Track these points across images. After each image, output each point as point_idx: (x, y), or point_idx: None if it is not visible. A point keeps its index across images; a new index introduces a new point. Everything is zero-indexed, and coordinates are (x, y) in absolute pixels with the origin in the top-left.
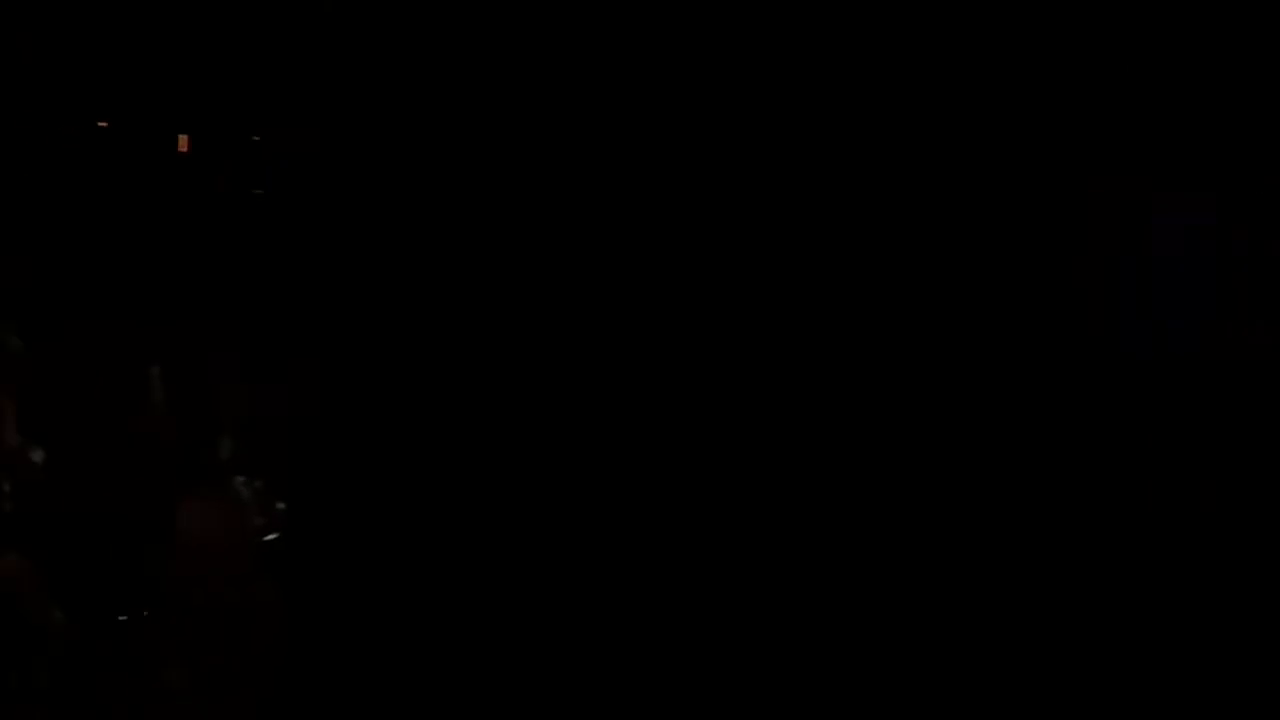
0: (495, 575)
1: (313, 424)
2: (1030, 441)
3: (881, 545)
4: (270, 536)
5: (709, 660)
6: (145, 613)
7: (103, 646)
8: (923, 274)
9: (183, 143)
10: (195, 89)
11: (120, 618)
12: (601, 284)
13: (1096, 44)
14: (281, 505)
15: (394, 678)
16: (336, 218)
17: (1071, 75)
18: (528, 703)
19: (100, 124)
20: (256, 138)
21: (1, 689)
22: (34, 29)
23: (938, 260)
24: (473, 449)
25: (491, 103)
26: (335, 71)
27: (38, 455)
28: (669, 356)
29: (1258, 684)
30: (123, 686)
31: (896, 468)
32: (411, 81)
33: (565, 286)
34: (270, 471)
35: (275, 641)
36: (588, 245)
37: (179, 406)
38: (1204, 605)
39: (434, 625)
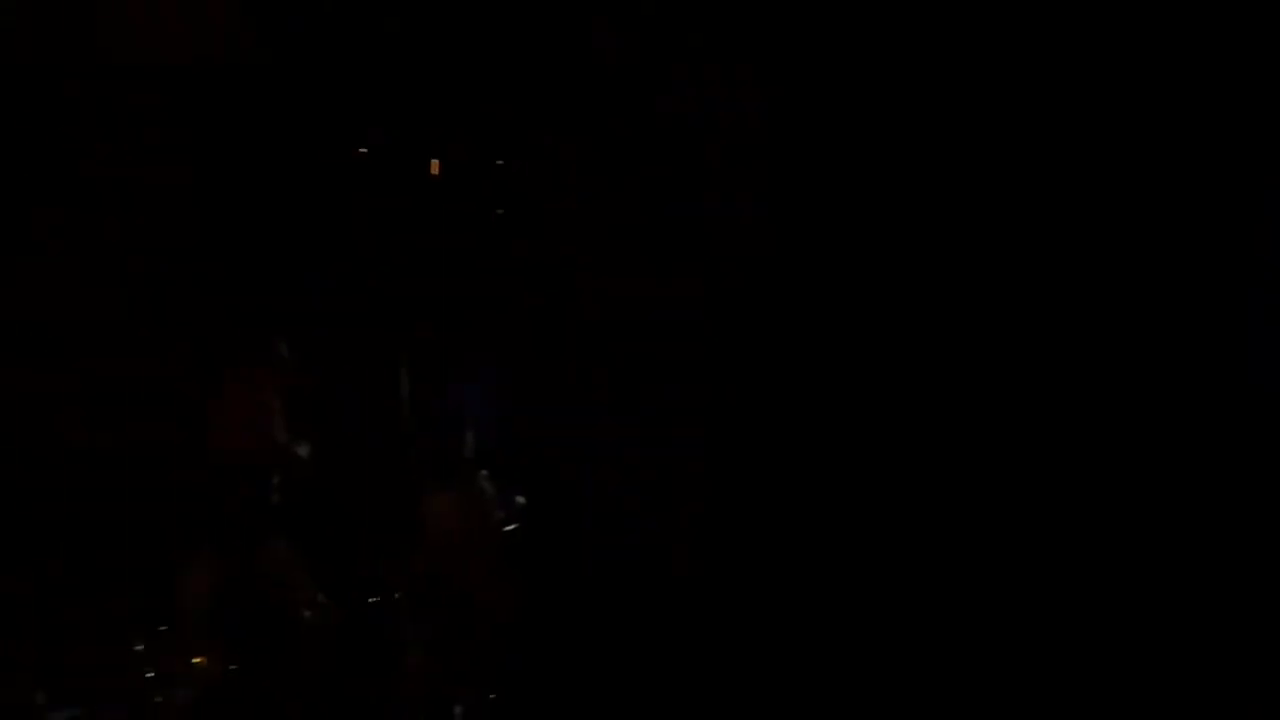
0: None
1: (547, 424)
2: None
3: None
4: (509, 528)
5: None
6: (395, 597)
7: (359, 628)
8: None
9: (434, 166)
10: (447, 121)
11: (372, 601)
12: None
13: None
14: (520, 499)
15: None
16: (578, 232)
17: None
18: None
19: (360, 150)
20: (500, 162)
21: (272, 665)
22: (300, 70)
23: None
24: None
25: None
26: (571, 101)
27: (304, 451)
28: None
29: None
30: (375, 664)
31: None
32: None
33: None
34: (509, 467)
35: (512, 625)
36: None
37: (426, 406)
38: None
39: (642, 617)
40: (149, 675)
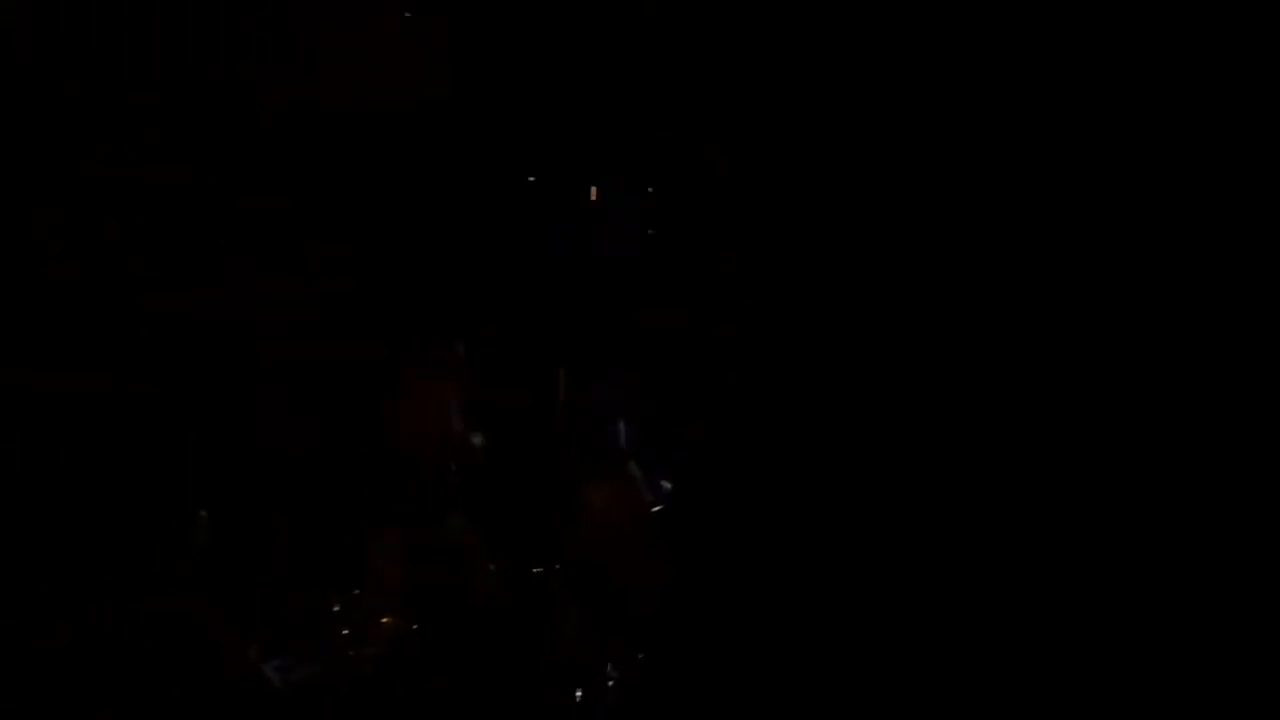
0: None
1: (691, 414)
2: None
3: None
4: (657, 509)
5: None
6: (555, 567)
7: (522, 595)
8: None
9: (593, 193)
10: (606, 149)
11: (535, 571)
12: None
13: None
14: (667, 484)
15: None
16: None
17: None
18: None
19: (530, 179)
20: (651, 190)
21: (450, 624)
22: (479, 103)
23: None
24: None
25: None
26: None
27: (477, 440)
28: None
29: None
30: (537, 625)
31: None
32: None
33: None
34: (657, 455)
35: (659, 594)
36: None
37: (581, 400)
38: None
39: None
40: (344, 633)
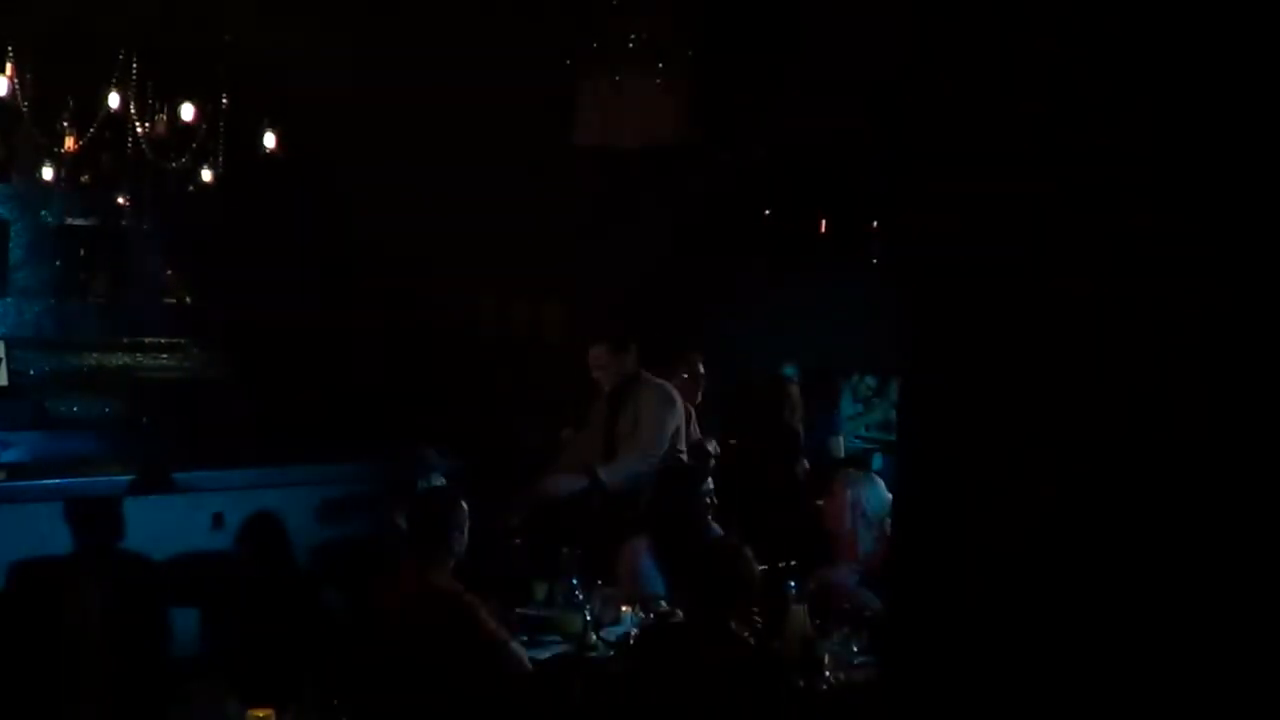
0: None
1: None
2: None
3: None
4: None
5: None
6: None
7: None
8: None
9: (822, 225)
10: (833, 188)
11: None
12: None
13: None
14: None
15: None
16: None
17: None
18: None
19: (765, 211)
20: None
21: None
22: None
23: None
24: None
25: None
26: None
27: (712, 447)
28: None
29: None
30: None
31: None
32: None
33: None
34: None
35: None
36: None
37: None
38: None
39: None
40: (588, 618)
